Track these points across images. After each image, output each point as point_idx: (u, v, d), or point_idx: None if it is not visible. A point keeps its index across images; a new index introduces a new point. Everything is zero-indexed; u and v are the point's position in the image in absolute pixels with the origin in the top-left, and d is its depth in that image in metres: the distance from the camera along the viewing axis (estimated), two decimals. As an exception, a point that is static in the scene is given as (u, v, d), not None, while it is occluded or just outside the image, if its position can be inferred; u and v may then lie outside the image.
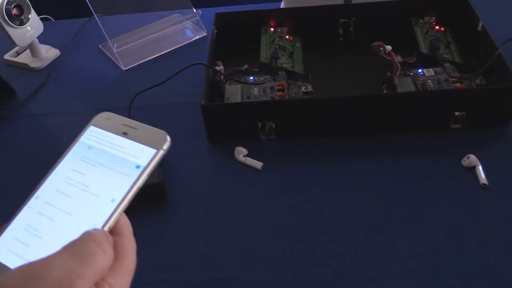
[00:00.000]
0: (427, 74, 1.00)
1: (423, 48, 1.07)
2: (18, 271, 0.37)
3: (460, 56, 1.06)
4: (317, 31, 1.16)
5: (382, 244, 0.77)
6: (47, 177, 0.46)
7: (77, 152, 0.47)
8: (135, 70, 1.19)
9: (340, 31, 1.17)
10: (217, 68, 1.04)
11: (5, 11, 1.12)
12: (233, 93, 1.01)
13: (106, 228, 0.42)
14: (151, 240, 0.81)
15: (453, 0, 1.13)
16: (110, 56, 1.24)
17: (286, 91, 1.00)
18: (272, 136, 0.96)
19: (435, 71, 1.01)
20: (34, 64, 1.24)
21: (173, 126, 0.99)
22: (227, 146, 0.94)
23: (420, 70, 1.02)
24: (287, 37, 1.15)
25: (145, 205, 0.85)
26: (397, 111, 0.92)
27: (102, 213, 0.43)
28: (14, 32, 1.15)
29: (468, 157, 0.86)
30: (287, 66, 1.07)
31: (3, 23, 1.13)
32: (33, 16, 1.19)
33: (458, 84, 0.97)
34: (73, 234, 0.40)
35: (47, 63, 1.25)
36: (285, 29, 1.16)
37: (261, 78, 1.04)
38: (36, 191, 0.45)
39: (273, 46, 1.11)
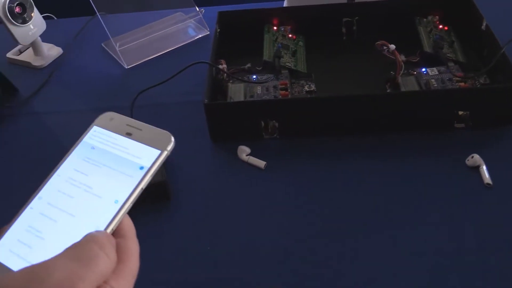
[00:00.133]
0: (430, 73, 1.00)
1: (427, 47, 1.07)
2: (19, 274, 0.37)
3: (463, 55, 1.05)
4: (320, 30, 1.16)
5: (384, 244, 0.77)
6: (50, 177, 0.46)
7: (80, 152, 0.47)
8: (137, 69, 1.19)
9: (343, 30, 1.16)
10: (220, 66, 1.03)
11: (8, 9, 1.12)
12: (236, 92, 1.01)
13: (109, 230, 0.42)
14: (152, 239, 0.81)
15: (457, -1, 1.13)
16: (113, 55, 1.24)
17: (289, 90, 1.00)
18: (275, 135, 0.95)
19: (438, 70, 1.01)
20: (37, 62, 1.23)
21: (176, 125, 0.99)
22: (230, 145, 0.94)
23: (423, 69, 1.01)
24: (290, 35, 1.15)
25: (148, 204, 0.84)
26: (401, 110, 0.92)
27: (105, 215, 0.42)
28: (17, 30, 1.15)
29: (472, 157, 0.86)
30: (290, 65, 1.07)
31: (6, 21, 1.13)
32: (35, 14, 1.19)
33: (462, 84, 0.97)
34: (76, 235, 0.40)
35: (50, 61, 1.25)
36: (288, 27, 1.16)
37: (264, 77, 1.04)
38: (38, 191, 0.45)
39: (276, 44, 1.11)
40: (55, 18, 1.50)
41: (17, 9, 1.14)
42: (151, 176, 0.44)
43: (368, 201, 0.83)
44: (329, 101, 0.93)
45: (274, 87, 1.01)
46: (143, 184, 0.44)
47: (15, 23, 1.14)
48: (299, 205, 0.84)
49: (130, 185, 0.44)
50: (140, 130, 0.47)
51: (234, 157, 0.93)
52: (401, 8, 1.15)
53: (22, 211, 0.44)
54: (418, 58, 1.06)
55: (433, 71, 1.01)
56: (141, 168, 0.44)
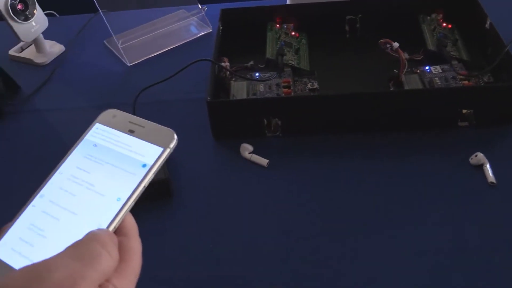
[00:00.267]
0: (434, 72, 1.00)
1: (430, 45, 1.07)
2: (20, 272, 0.37)
3: (467, 54, 1.05)
4: (323, 28, 1.16)
5: (386, 244, 0.76)
6: (52, 175, 0.45)
7: (83, 150, 0.46)
8: (140, 66, 1.19)
9: (347, 27, 1.16)
10: (222, 64, 1.03)
11: (10, 6, 1.12)
12: (239, 89, 1.00)
13: (111, 228, 0.41)
14: (155, 237, 0.81)
15: (460, -3, 1.13)
16: (115, 52, 1.23)
17: (292, 88, 1.00)
18: (278, 133, 0.95)
19: (442, 69, 1.00)
20: (39, 59, 1.23)
21: (178, 123, 0.98)
22: (233, 143, 0.94)
23: (427, 68, 1.01)
24: (293, 33, 1.14)
25: (150, 201, 0.84)
26: (404, 108, 0.92)
27: (107, 213, 0.42)
28: (19, 27, 1.15)
29: (476, 155, 0.86)
30: (293, 63, 1.06)
31: (8, 18, 1.12)
32: (38, 11, 1.18)
33: (465, 82, 0.97)
34: (78, 233, 0.40)
35: (52, 58, 1.24)
36: (291, 25, 1.16)
37: (267, 75, 1.04)
38: (40, 189, 0.45)
39: (279, 42, 1.11)
40: (57, 15, 1.50)
41: (19, 6, 1.13)
42: (153, 173, 0.44)
43: (370, 199, 0.83)
44: (332, 99, 0.92)
45: (277, 85, 1.00)
46: (146, 182, 0.44)
47: (17, 20, 1.14)
48: (302, 203, 0.84)
49: (132, 183, 0.43)
50: (143, 127, 0.47)
51: (236, 155, 0.93)
52: (405, 6, 1.14)
53: (24, 209, 0.44)
54: (422, 56, 1.06)
55: (436, 69, 1.00)
56: (144, 165, 0.44)
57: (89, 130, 0.48)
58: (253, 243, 0.79)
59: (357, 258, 0.75)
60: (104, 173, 0.44)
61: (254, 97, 0.98)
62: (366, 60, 1.08)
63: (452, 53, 1.04)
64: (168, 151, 0.45)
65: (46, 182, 0.45)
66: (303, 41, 1.14)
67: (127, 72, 1.18)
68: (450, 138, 0.91)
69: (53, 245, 0.41)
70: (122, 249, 0.40)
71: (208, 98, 0.91)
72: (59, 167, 0.46)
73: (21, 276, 0.36)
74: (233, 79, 1.03)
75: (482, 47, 1.05)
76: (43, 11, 1.21)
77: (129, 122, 0.47)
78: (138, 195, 0.43)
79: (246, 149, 0.92)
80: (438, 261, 0.73)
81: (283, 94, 0.98)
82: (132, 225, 0.43)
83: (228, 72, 1.03)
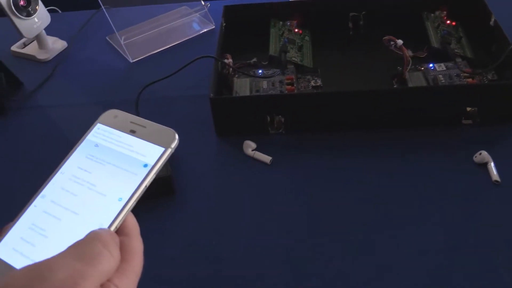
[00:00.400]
0: (438, 69, 0.99)
1: (434, 43, 1.06)
2: (22, 272, 0.36)
3: (471, 51, 1.04)
4: (326, 25, 1.15)
5: (387, 243, 0.76)
6: (53, 175, 0.45)
7: (84, 150, 0.46)
8: (142, 63, 1.19)
9: (350, 24, 1.16)
10: (226, 61, 1.03)
11: (13, 2, 1.11)
12: (242, 86, 1.00)
13: (112, 228, 0.41)
14: (156, 235, 0.80)
15: (465, -6, 1.12)
16: (118, 49, 1.23)
17: (295, 85, 0.99)
18: (281, 130, 0.95)
19: (446, 66, 1.00)
20: (41, 55, 1.23)
21: (181, 119, 0.99)
22: (236, 140, 0.94)
23: (431, 65, 1.00)
24: (296, 30, 1.14)
25: (152, 198, 0.84)
26: (408, 106, 0.91)
27: (109, 213, 0.42)
28: (21, 23, 1.15)
29: (480, 153, 0.85)
30: (296, 60, 1.06)
31: (10, 14, 1.12)
32: (40, 7, 1.18)
33: (469, 79, 0.96)
34: (79, 233, 0.40)
35: (54, 54, 1.24)
36: (294, 22, 1.15)
37: (270, 72, 1.03)
38: (42, 189, 0.45)
39: (282, 39, 1.10)
40: (60, 11, 1.50)
41: (21, 2, 1.13)
42: (155, 173, 0.44)
43: (373, 197, 0.82)
44: (335, 97, 0.92)
45: (280, 82, 1.00)
46: (147, 182, 0.44)
47: (20, 16, 1.13)
48: (305, 201, 0.83)
49: (134, 182, 0.43)
50: (144, 127, 0.46)
51: (239, 152, 0.92)
52: (409, 3, 1.14)
53: (26, 209, 0.44)
54: (426, 54, 1.06)
55: (440, 67, 1.00)
56: (145, 165, 0.44)
57: (90, 130, 0.48)
58: (255, 240, 0.78)
59: (362, 257, 0.75)
60: (106, 173, 0.44)
61: (257, 94, 0.98)
62: (369, 57, 1.08)
63: (456, 50, 1.04)
64: (169, 151, 0.45)
65: (48, 182, 0.45)
66: (307, 38, 1.14)
67: (129, 68, 1.18)
68: (454, 136, 0.91)
69: (54, 245, 0.41)
70: (123, 249, 0.40)
71: (211, 95, 0.91)
72: (60, 167, 0.46)
73: (23, 275, 0.36)
74: (236, 76, 1.03)
75: (487, 45, 1.05)
76: (46, 7, 1.21)
77: (131, 122, 0.47)
78: (139, 195, 0.43)
79: (249, 146, 0.92)
80: (439, 261, 0.73)
81: (286, 91, 0.98)
82: (133, 225, 0.43)
83: (231, 69, 1.03)
